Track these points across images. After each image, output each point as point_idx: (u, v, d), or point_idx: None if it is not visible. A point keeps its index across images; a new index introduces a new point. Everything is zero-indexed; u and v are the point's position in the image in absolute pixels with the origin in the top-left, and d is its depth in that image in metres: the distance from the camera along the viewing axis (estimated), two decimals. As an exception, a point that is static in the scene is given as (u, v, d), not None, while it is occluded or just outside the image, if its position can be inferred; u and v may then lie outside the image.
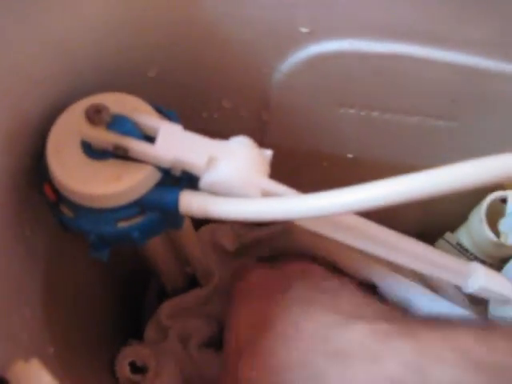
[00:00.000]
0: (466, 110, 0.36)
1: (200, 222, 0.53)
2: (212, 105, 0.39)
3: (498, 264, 0.44)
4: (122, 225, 0.31)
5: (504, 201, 0.43)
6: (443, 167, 0.26)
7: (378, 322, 0.33)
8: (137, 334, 0.51)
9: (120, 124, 0.29)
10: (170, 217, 0.32)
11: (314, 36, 0.32)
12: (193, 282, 0.52)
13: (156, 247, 0.39)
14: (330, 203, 0.28)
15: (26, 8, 0.28)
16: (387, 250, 0.34)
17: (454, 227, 0.47)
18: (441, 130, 0.37)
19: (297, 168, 0.41)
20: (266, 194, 0.31)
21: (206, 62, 0.35)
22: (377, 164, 0.42)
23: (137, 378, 0.44)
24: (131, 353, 0.45)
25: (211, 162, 0.30)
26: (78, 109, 0.31)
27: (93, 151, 0.31)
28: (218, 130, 0.39)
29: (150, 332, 0.48)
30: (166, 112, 0.33)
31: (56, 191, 0.31)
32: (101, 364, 0.43)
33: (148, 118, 0.30)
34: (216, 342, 0.51)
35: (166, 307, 0.48)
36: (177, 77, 0.36)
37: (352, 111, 0.37)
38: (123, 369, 0.44)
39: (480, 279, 0.36)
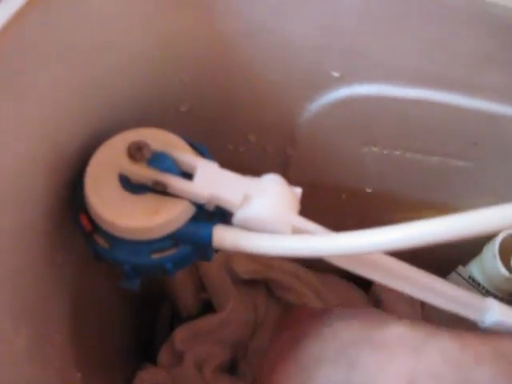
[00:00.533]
0: (486, 152, 0.37)
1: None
2: (238, 138, 0.40)
3: (509, 298, 0.45)
4: (156, 256, 0.32)
5: (516, 237, 0.44)
6: (471, 211, 0.27)
7: (417, 323, 0.34)
8: (149, 357, 0.52)
9: (160, 161, 0.31)
10: (202, 250, 0.33)
11: (344, 80, 0.33)
12: (206, 307, 0.53)
13: (178, 275, 0.40)
14: (359, 243, 0.29)
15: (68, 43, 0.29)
16: (405, 283, 0.35)
17: (466, 261, 0.48)
18: (460, 170, 0.39)
19: (315, 198, 0.42)
20: (296, 231, 0.32)
21: (236, 100, 0.37)
22: (394, 198, 0.44)
23: None
24: (148, 376, 0.46)
25: (245, 199, 0.31)
26: (116, 142, 0.32)
27: (130, 185, 0.32)
28: (242, 163, 0.40)
29: (164, 356, 0.49)
30: (200, 148, 0.34)
31: (92, 222, 0.32)
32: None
33: (186, 155, 0.31)
34: (230, 368, 0.51)
35: (180, 332, 0.49)
36: (207, 112, 0.38)
37: (375, 149, 0.38)
38: None
39: (496, 314, 0.37)
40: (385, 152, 0.38)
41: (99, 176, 0.32)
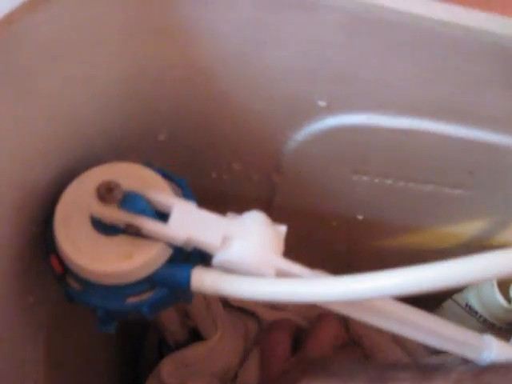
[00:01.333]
0: (482, 181, 0.35)
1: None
2: (222, 166, 0.38)
3: (506, 327, 0.43)
4: (131, 300, 0.30)
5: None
6: (477, 255, 0.25)
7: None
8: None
9: (132, 202, 0.29)
10: (180, 292, 0.31)
11: (331, 109, 0.31)
12: (195, 334, 0.51)
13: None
14: (346, 289, 0.28)
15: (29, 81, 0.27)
16: (402, 325, 0.33)
17: (462, 288, 0.46)
18: (454, 197, 0.37)
19: (305, 226, 0.40)
20: (280, 273, 0.30)
21: (218, 128, 0.35)
22: (386, 225, 0.42)
23: None
24: None
25: (225, 240, 0.29)
26: (87, 179, 0.31)
27: (103, 226, 0.30)
28: (226, 190, 0.38)
29: None
30: (177, 180, 0.32)
31: (63, 263, 0.30)
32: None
33: (161, 195, 0.29)
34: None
35: (166, 364, 0.47)
36: (187, 141, 0.36)
37: (365, 178, 0.36)
38: None
39: (493, 353, 0.35)
40: (376, 181, 0.36)
41: (69, 216, 0.30)
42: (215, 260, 0.29)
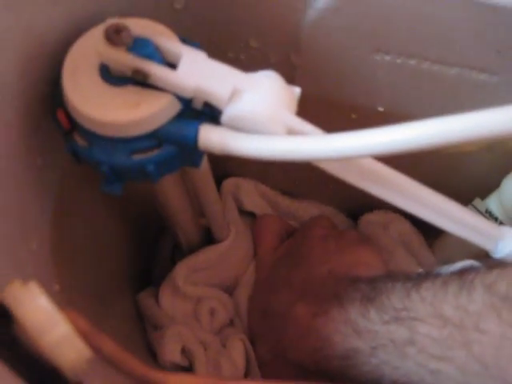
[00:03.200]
0: (510, 63, 0.33)
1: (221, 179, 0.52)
2: (239, 44, 0.36)
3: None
4: (137, 157, 0.30)
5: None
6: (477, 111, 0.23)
7: None
8: (146, 283, 0.50)
9: (141, 47, 0.28)
10: (188, 153, 0.30)
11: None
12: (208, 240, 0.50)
13: (171, 190, 0.38)
14: (357, 144, 0.26)
15: None
16: (416, 203, 0.32)
17: (484, 195, 0.44)
18: (481, 85, 0.35)
19: (324, 119, 0.39)
20: (291, 133, 0.29)
21: (236, -4, 0.33)
22: (408, 120, 0.40)
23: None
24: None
25: (235, 93, 0.28)
26: (98, 32, 0.29)
27: (111, 76, 0.29)
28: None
29: (165, 296, 0.47)
30: (191, 43, 0.31)
31: (70, 118, 0.30)
32: (107, 308, 0.41)
33: (171, 42, 0.28)
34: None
35: (181, 269, 0.47)
36: (203, 11, 0.34)
37: (388, 58, 0.34)
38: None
39: (511, 243, 0.34)
40: (398, 61, 0.35)
41: (78, 67, 0.30)
42: (224, 116, 0.28)
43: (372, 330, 0.33)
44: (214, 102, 0.28)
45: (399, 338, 0.31)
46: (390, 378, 0.32)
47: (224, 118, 0.28)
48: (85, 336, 0.22)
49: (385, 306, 0.32)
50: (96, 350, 0.23)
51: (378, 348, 0.32)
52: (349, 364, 0.34)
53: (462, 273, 0.30)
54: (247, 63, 0.38)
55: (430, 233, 0.50)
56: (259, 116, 0.28)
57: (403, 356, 0.31)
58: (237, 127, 0.29)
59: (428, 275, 0.33)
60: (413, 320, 0.30)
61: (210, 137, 0.28)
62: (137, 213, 0.48)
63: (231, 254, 0.50)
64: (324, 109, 0.40)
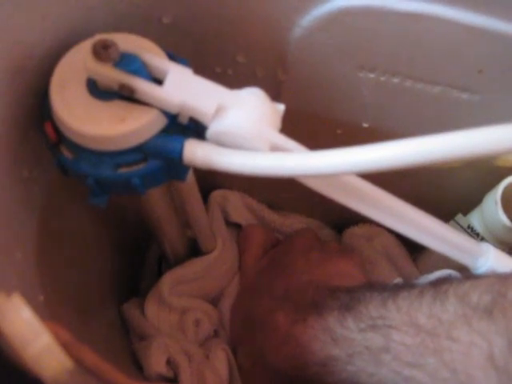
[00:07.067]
0: (491, 83, 0.34)
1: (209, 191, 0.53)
2: (226, 59, 0.37)
3: (508, 251, 0.42)
4: (123, 171, 0.30)
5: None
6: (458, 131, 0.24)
7: None
8: (133, 294, 0.50)
9: (128, 63, 0.28)
10: (174, 167, 0.31)
11: (338, -11, 0.30)
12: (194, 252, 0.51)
13: (157, 202, 0.38)
14: (337, 161, 0.27)
15: None
16: (398, 220, 0.33)
17: (466, 211, 0.45)
18: (463, 104, 0.36)
19: (309, 134, 0.39)
20: (274, 149, 0.29)
21: (223, 12, 0.34)
22: (392, 136, 0.41)
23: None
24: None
25: (220, 110, 0.29)
26: (86, 47, 0.30)
27: (98, 90, 0.29)
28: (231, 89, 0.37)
29: (150, 306, 0.47)
30: (178, 59, 0.31)
31: (57, 131, 0.30)
32: (92, 319, 0.42)
33: (158, 59, 0.29)
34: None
35: (167, 281, 0.47)
36: (191, 26, 0.35)
37: (372, 75, 0.35)
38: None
39: (490, 260, 0.34)
40: (382, 79, 0.35)
41: (66, 81, 0.30)
42: (209, 132, 0.29)
43: (349, 337, 0.33)
44: (200, 117, 0.29)
45: (375, 345, 0.32)
46: None
47: (209, 133, 0.29)
48: (66, 347, 0.22)
49: (362, 315, 0.33)
50: (77, 361, 0.23)
51: (354, 355, 0.33)
52: (326, 371, 0.34)
53: (437, 283, 0.31)
54: (234, 78, 0.38)
55: (415, 246, 0.50)
56: (243, 132, 0.28)
57: (378, 363, 0.31)
58: (221, 143, 0.29)
59: (405, 285, 0.33)
60: (388, 328, 0.31)
61: (195, 152, 0.29)
62: (123, 224, 0.48)
63: (217, 265, 0.50)
64: (310, 124, 0.41)
